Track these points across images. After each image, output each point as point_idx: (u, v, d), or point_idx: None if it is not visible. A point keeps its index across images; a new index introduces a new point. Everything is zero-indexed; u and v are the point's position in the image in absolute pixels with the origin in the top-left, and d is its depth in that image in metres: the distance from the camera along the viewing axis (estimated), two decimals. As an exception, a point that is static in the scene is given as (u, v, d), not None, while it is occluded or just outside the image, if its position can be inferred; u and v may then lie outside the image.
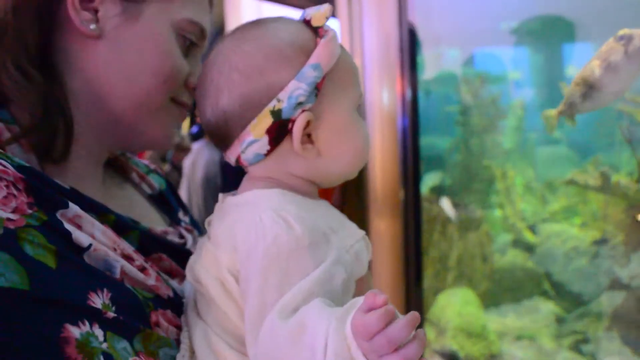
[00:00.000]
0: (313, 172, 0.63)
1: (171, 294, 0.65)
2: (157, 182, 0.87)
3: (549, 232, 2.62)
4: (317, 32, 0.60)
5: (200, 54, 0.72)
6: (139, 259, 0.63)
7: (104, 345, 0.52)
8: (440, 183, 3.14)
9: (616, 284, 2.10)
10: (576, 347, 2.02)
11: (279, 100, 0.57)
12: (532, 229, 2.73)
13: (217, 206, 0.66)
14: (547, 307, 2.28)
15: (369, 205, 2.34)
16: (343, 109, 0.61)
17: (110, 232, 0.61)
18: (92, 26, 0.62)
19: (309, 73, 0.57)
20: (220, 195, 0.66)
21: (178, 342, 0.61)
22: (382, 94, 2.30)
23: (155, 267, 0.66)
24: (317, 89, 0.58)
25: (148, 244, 0.68)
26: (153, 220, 0.77)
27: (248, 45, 0.59)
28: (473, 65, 3.99)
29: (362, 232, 0.63)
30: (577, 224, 2.60)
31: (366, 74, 2.40)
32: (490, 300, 2.36)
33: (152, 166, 0.92)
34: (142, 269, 0.62)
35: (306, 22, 0.62)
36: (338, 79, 0.60)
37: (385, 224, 2.34)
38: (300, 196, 0.61)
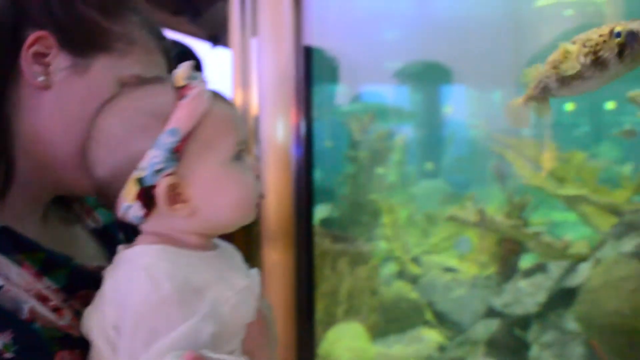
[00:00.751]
0: (196, 227, 0.64)
1: None
2: (102, 217, 0.88)
3: (430, 263, 2.77)
4: (180, 92, 0.62)
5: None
6: (56, 299, 0.64)
7: None
8: (328, 216, 3.20)
9: (491, 312, 2.26)
10: (458, 374, 2.13)
11: (141, 169, 0.60)
12: (415, 260, 2.87)
13: (115, 258, 0.66)
14: (430, 336, 2.38)
15: (262, 237, 2.32)
16: (212, 163, 0.63)
17: (26, 274, 0.63)
18: (41, 78, 0.66)
19: (166, 139, 0.60)
20: (119, 247, 0.67)
21: None
22: (276, 126, 2.31)
23: (81, 304, 0.67)
24: (176, 153, 0.61)
25: (78, 281, 0.69)
26: (90, 256, 0.78)
27: (112, 118, 0.63)
28: (361, 102, 4.18)
29: (243, 284, 0.64)
30: (456, 255, 2.77)
31: (261, 105, 2.39)
32: (378, 332, 2.42)
33: None
34: (56, 309, 0.63)
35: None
36: (205, 136, 0.62)
37: (278, 256, 2.32)
38: (186, 250, 0.63)
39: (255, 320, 0.65)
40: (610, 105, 3.58)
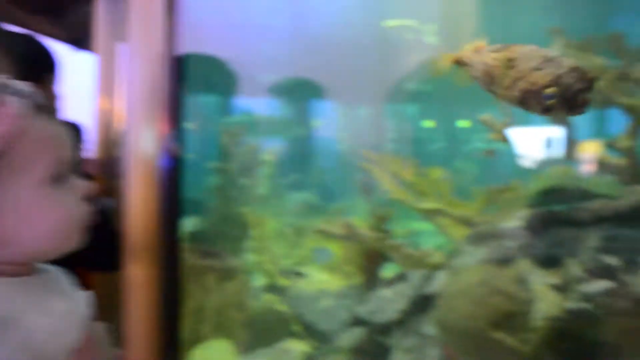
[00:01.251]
0: (8, 258, 0.58)
1: None
2: None
3: (298, 275, 2.78)
4: None
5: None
6: None
7: None
8: (197, 229, 3.10)
9: (357, 321, 2.32)
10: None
11: None
12: (284, 273, 2.87)
13: None
14: (297, 347, 2.39)
15: (125, 252, 2.18)
16: (25, 187, 0.57)
17: None
18: None
19: None
20: None
21: None
22: (143, 136, 2.19)
23: None
24: None
25: None
26: None
27: None
28: (232, 114, 4.14)
29: (63, 308, 0.60)
30: (324, 267, 2.82)
31: (128, 115, 2.26)
32: (246, 347, 2.37)
33: None
34: None
35: None
36: (16, 157, 0.56)
37: (142, 272, 2.18)
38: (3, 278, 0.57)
39: (83, 346, 0.60)
40: (464, 124, 3.92)
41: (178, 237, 2.32)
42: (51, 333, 0.56)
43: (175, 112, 2.30)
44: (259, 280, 2.85)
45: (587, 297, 1.65)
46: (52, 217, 0.58)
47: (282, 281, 2.78)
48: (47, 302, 0.59)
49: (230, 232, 3.16)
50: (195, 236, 3.07)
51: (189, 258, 2.53)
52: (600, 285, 1.64)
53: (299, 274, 2.79)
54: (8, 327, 0.52)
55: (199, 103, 3.88)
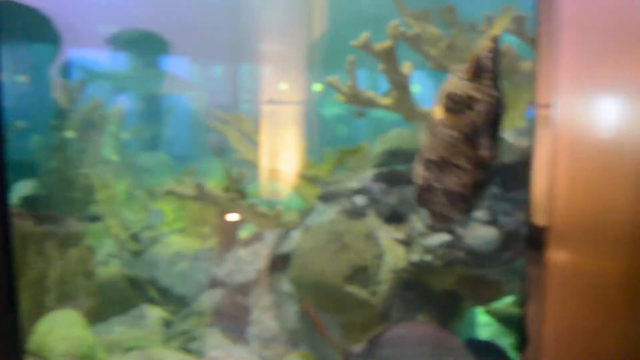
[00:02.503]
0: None
1: None
2: None
3: (152, 239, 2.70)
4: None
5: None
6: None
7: None
8: (33, 193, 2.83)
9: (214, 283, 2.33)
10: (185, 347, 2.15)
11: None
12: (135, 237, 2.76)
13: None
14: (155, 313, 2.34)
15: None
16: None
17: None
18: None
19: None
20: None
21: None
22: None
23: None
24: None
25: None
26: None
27: None
28: (68, 67, 3.77)
29: None
30: (178, 229, 2.76)
31: None
32: (97, 316, 2.27)
33: None
34: None
35: None
36: None
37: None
38: None
39: None
40: (318, 87, 4.02)
41: (5, 201, 2.11)
42: None
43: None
44: (108, 247, 2.71)
45: (428, 250, 1.84)
46: None
47: (134, 246, 2.67)
48: None
49: (72, 195, 2.94)
50: (31, 201, 2.81)
51: (23, 225, 2.32)
52: (439, 238, 1.84)
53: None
54: None
55: (22, 54, 3.48)
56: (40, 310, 2.16)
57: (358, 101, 2.14)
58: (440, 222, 1.08)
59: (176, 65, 4.34)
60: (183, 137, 4.28)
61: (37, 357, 1.95)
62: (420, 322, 1.79)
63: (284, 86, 3.40)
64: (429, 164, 1.03)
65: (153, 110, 4.32)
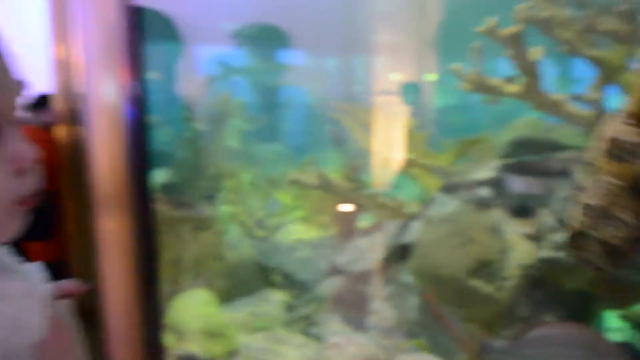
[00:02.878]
0: None
1: None
2: None
3: (275, 226, 2.81)
4: None
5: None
6: None
7: None
8: (169, 181, 3.07)
9: (335, 270, 2.38)
10: (306, 331, 2.22)
11: None
12: (260, 224, 2.89)
13: None
14: (278, 297, 2.45)
15: (93, 205, 2.14)
16: None
17: None
18: None
19: None
20: None
21: None
22: (105, 86, 2.11)
23: None
24: None
25: None
26: None
27: None
28: (195, 63, 4.02)
29: (21, 286, 0.50)
30: (300, 217, 2.85)
31: (86, 64, 2.16)
32: (226, 297, 2.41)
33: None
34: None
35: None
36: None
37: (113, 224, 2.15)
38: None
39: (51, 333, 0.52)
40: (432, 77, 3.94)
41: (148, 188, 2.30)
42: (14, 323, 0.47)
43: (135, 61, 2.22)
44: (235, 232, 2.87)
45: (559, 246, 1.74)
46: None
47: (259, 232, 2.80)
48: (2, 288, 0.49)
49: (203, 184, 3.14)
50: (167, 188, 3.04)
51: (163, 210, 2.52)
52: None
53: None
54: None
55: (160, 53, 3.76)
56: (176, 289, 2.34)
57: (483, 89, 2.07)
58: (590, 269, 0.99)
59: (293, 58, 4.46)
60: (300, 129, 4.40)
61: (174, 331, 2.12)
62: (572, 323, 1.69)
63: (397, 76, 3.38)
64: (588, 209, 0.95)
65: (272, 102, 4.48)
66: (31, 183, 0.48)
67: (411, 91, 3.53)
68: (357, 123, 2.87)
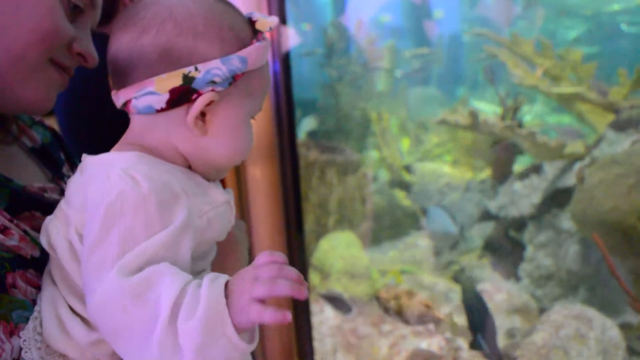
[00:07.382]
0: (190, 149, 0.63)
1: (37, 253, 0.64)
2: (40, 135, 0.84)
3: (423, 170, 2.72)
4: (256, 34, 0.64)
5: (91, 24, 0.71)
6: (1, 219, 0.62)
7: None
8: (316, 128, 3.12)
9: (485, 216, 2.24)
10: (453, 277, 2.14)
11: (196, 69, 0.59)
12: (408, 168, 2.82)
13: (79, 166, 0.64)
14: (425, 242, 2.38)
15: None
16: (243, 109, 0.64)
17: None
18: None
19: (235, 62, 0.60)
20: (83, 155, 0.64)
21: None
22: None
23: (26, 225, 0.66)
24: (233, 79, 0.61)
25: (19, 202, 0.67)
26: (31, 176, 0.76)
27: (196, 6, 0.61)
28: (344, 9, 3.96)
29: (222, 199, 0.65)
30: (449, 161, 2.72)
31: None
32: (371, 240, 2.41)
33: (37, 118, 0.87)
34: (3, 230, 0.62)
35: (251, 21, 0.65)
36: (251, 84, 0.64)
37: (261, 171, 2.27)
38: (161, 160, 0.62)
39: (225, 241, 0.66)
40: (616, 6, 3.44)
41: (294, 134, 2.35)
42: (210, 221, 0.61)
43: (281, 9, 2.23)
44: (383, 176, 2.84)
45: None
46: (241, 141, 0.65)
47: (407, 176, 2.74)
48: (208, 191, 0.64)
49: (349, 129, 3.14)
50: (314, 133, 3.09)
51: (309, 154, 2.57)
52: None
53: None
54: (177, 202, 0.56)
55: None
56: (322, 230, 2.40)
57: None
58: None
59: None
60: (454, 68, 4.16)
61: (319, 271, 2.18)
62: None
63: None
64: None
65: (419, 40, 4.27)
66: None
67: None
68: (517, 56, 2.62)
